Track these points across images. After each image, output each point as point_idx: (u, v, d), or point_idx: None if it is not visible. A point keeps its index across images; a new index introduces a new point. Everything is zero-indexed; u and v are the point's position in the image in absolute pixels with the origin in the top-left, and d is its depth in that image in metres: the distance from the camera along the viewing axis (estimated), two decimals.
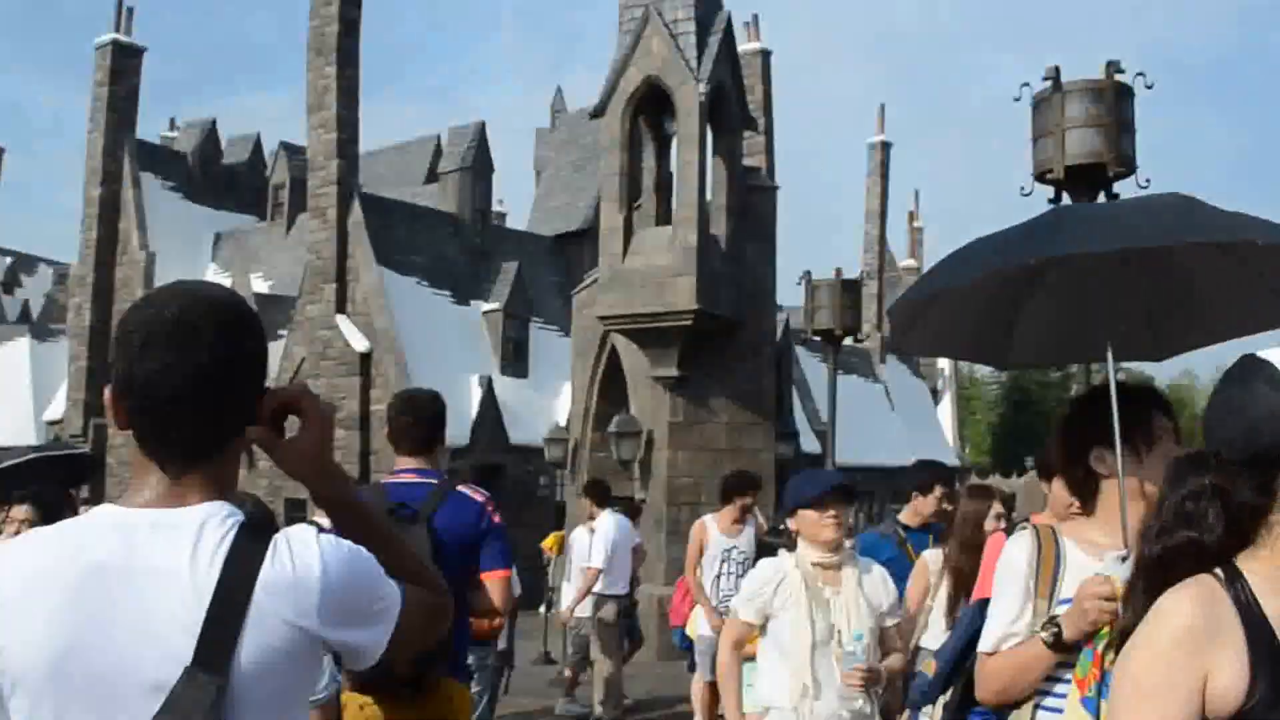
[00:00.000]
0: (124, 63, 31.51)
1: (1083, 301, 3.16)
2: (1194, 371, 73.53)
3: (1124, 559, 2.48)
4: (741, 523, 8.97)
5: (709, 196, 17.49)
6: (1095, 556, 2.65)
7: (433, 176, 31.59)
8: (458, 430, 24.08)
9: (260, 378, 1.82)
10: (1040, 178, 8.09)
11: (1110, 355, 2.83)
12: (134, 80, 31.84)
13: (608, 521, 11.20)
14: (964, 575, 4.92)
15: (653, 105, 17.67)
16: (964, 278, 2.92)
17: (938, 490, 6.51)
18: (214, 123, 35.40)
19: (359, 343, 25.42)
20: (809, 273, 15.30)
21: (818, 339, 15.65)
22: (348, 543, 1.77)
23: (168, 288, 1.82)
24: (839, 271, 15.54)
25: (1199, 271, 3.09)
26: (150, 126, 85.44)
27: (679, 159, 17.28)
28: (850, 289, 15.30)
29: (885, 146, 42.02)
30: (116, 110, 31.30)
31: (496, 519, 4.31)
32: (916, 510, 6.58)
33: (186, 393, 1.71)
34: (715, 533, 8.91)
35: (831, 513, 4.40)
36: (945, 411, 49.01)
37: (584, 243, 28.26)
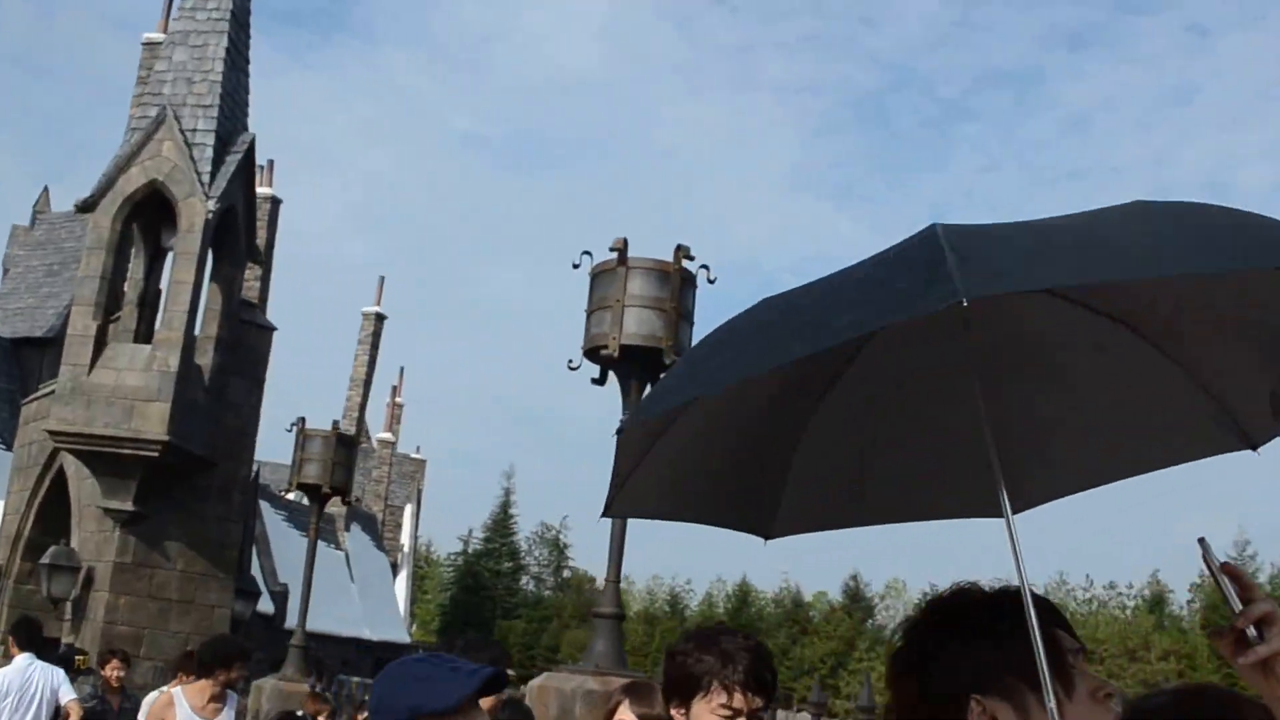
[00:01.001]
0: None
1: (922, 424, 2.04)
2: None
3: None
4: (221, 702, 7.42)
5: (199, 323, 16.21)
6: None
7: None
8: None
9: None
10: (592, 353, 7.43)
11: (1009, 518, 1.58)
12: None
13: (11, 668, 9.26)
14: None
15: (151, 213, 16.28)
16: (751, 369, 1.67)
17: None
18: None
19: None
20: (303, 419, 14.34)
21: (294, 495, 14.69)
22: None
23: None
24: (336, 425, 14.74)
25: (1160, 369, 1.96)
26: None
27: (172, 276, 15.99)
28: (345, 444, 14.53)
29: (380, 318, 41.92)
30: None
31: None
32: None
33: None
34: (185, 711, 7.28)
35: None
36: (401, 587, 48.36)
37: (46, 352, 25.49)
